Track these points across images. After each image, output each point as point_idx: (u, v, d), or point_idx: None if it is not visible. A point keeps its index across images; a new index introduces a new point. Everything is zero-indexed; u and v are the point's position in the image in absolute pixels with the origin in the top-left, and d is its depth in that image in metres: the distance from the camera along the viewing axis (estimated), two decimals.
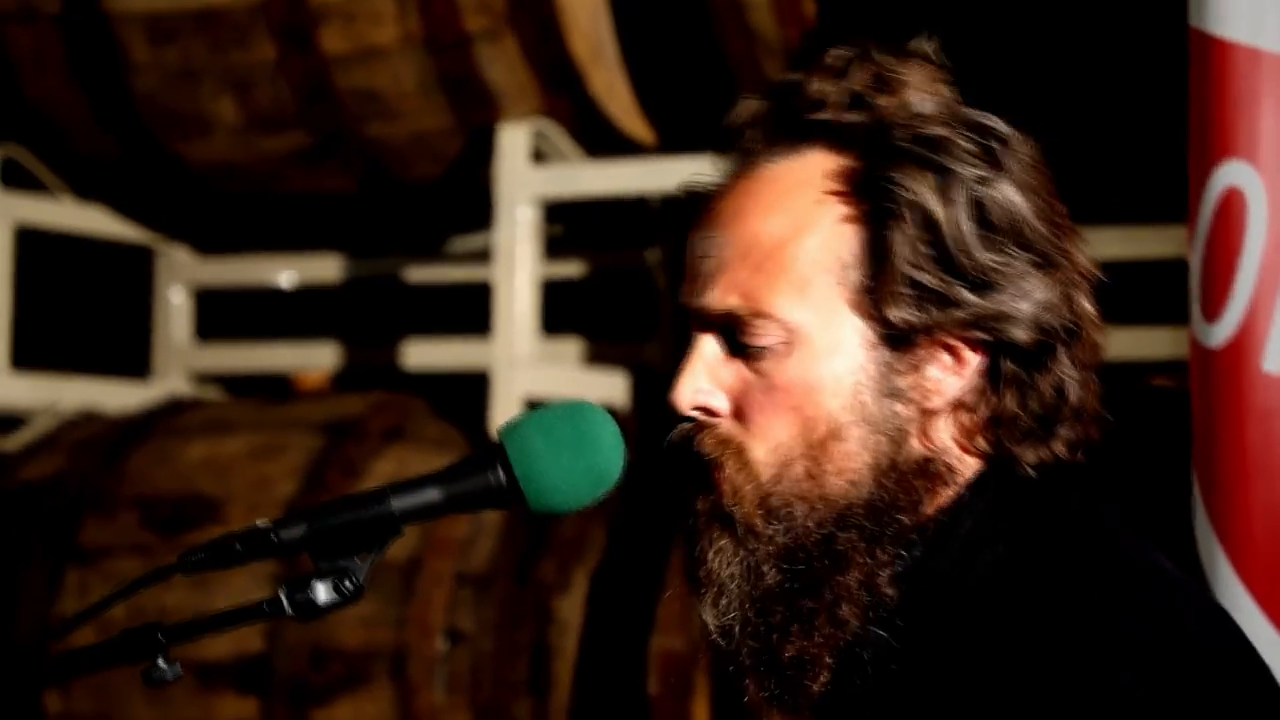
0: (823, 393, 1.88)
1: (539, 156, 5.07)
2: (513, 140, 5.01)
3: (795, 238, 1.89)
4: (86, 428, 5.51)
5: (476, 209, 5.19)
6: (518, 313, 5.00)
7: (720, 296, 1.91)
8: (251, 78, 5.23)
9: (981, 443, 1.91)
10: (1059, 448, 1.91)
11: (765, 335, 1.89)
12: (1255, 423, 2.89)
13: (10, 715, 5.02)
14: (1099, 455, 1.98)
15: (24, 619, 5.05)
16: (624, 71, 5.12)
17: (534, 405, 1.95)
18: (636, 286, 5.38)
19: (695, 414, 1.92)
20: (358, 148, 5.27)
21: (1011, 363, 1.89)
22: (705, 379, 1.92)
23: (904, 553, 1.87)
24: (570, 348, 5.36)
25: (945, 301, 1.86)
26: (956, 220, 1.86)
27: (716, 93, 4.72)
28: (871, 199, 1.88)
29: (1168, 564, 1.87)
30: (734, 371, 1.92)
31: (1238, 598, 2.88)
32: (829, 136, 1.92)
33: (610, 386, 5.18)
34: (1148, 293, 4.08)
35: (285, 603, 1.87)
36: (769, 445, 1.89)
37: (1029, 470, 1.91)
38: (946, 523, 1.89)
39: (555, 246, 5.31)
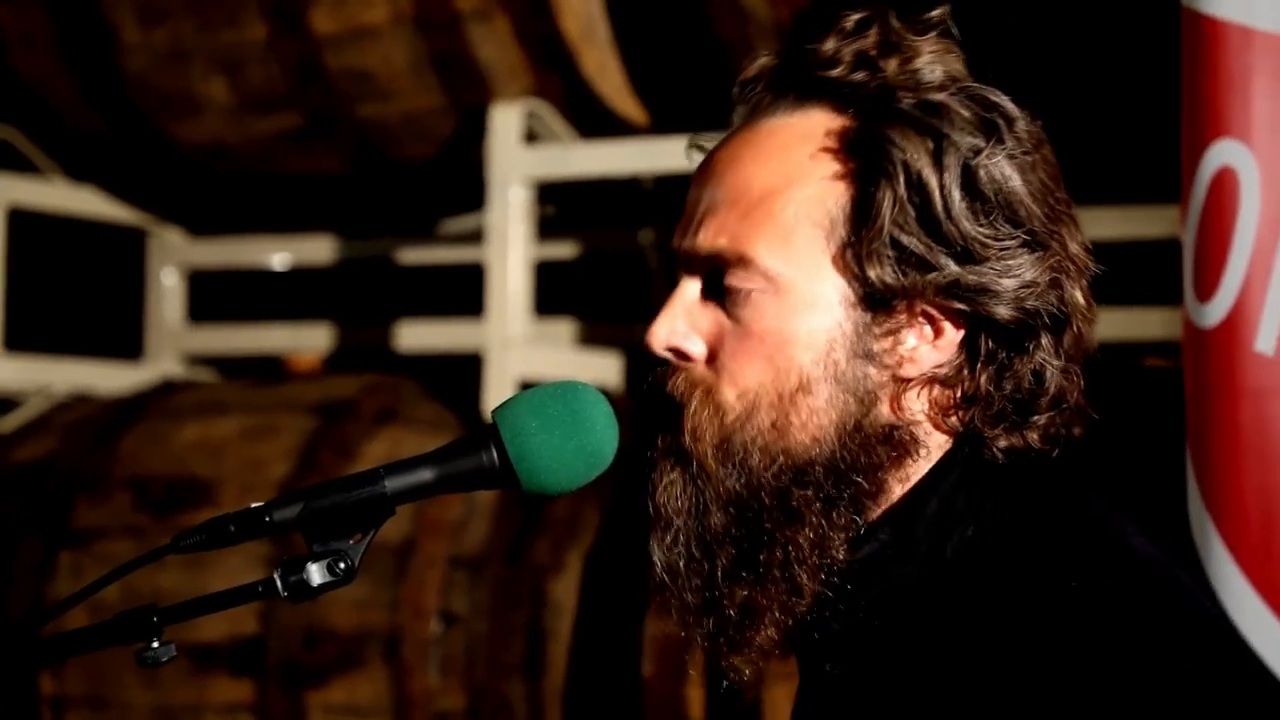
0: (796, 345, 1.87)
1: (531, 137, 5.07)
2: (505, 120, 5.01)
3: (786, 188, 1.89)
4: (79, 410, 5.51)
5: (469, 190, 5.19)
6: (511, 294, 5.00)
7: (707, 238, 1.91)
8: (242, 58, 5.22)
9: (954, 420, 1.89)
10: (1033, 436, 1.90)
11: (746, 280, 1.89)
12: (1248, 402, 2.89)
13: (4, 698, 5.02)
14: (1092, 436, 1.97)
15: (17, 601, 5.04)
16: (616, 51, 5.12)
17: (527, 386, 1.95)
18: (629, 267, 5.38)
19: (668, 355, 1.92)
20: (349, 128, 5.26)
21: (990, 340, 1.88)
22: (682, 322, 1.93)
23: (858, 519, 1.87)
24: (563, 329, 5.35)
25: (927, 267, 1.86)
26: (947, 187, 1.85)
27: (708, 73, 4.72)
28: (864, 157, 1.88)
29: (1148, 546, 1.85)
30: (712, 317, 1.92)
31: (1231, 577, 2.89)
32: (833, 95, 1.92)
33: (604, 367, 5.18)
34: (1141, 273, 4.08)
35: (279, 584, 1.87)
36: (738, 390, 1.88)
37: (998, 454, 1.89)
38: (912, 504, 1.88)
39: (548, 227, 5.31)
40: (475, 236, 5.30)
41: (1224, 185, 2.91)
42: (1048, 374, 1.89)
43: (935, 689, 1.78)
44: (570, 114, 5.12)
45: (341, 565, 1.88)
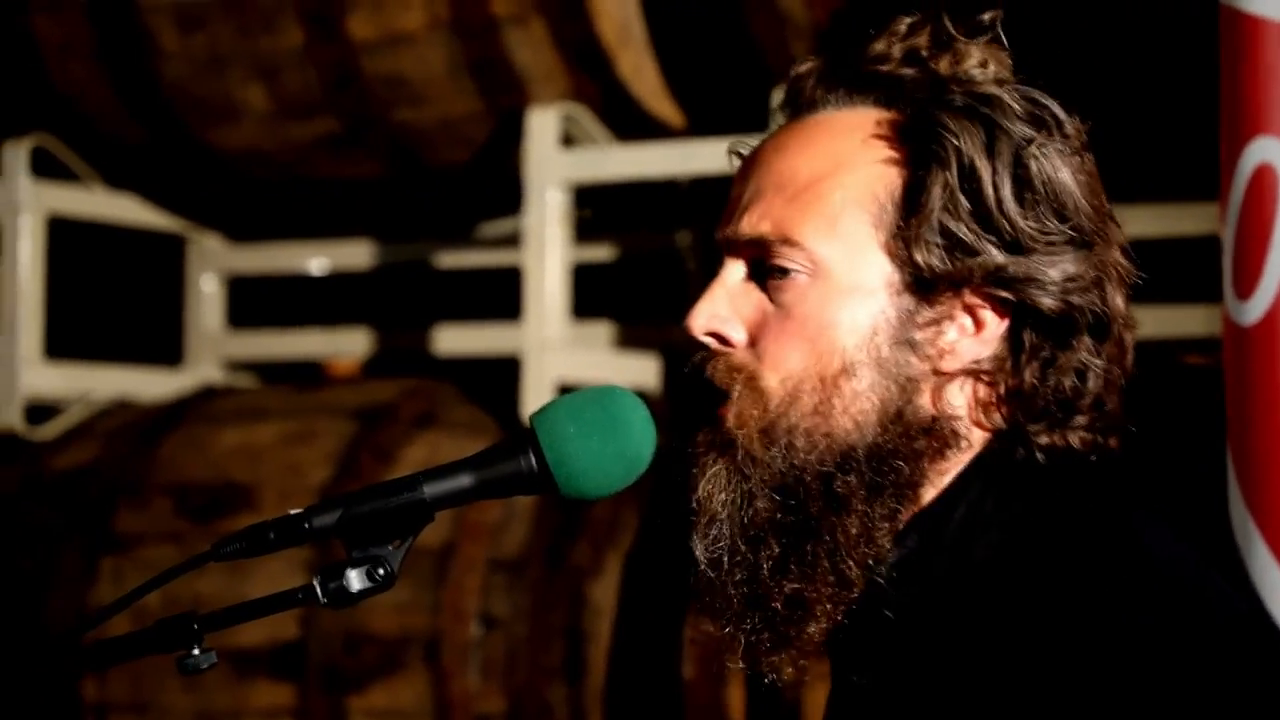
0: (839, 329, 1.86)
1: (568, 140, 5.07)
2: (541, 124, 5.01)
3: (833, 174, 1.89)
4: (119, 416, 5.52)
5: (506, 193, 5.19)
6: (548, 297, 5.00)
7: (752, 224, 1.90)
8: (279, 64, 5.24)
9: (996, 417, 1.88)
10: (1074, 439, 1.89)
11: (791, 263, 1.88)
12: None
13: (47, 704, 5.04)
14: (1133, 435, 1.96)
15: (59, 607, 5.06)
16: (652, 54, 5.12)
17: (565, 389, 1.95)
18: (666, 269, 5.37)
19: (709, 340, 1.91)
20: (386, 133, 5.27)
21: (1035, 333, 1.87)
22: (724, 306, 1.91)
23: (901, 510, 1.85)
24: (601, 331, 5.35)
25: (975, 255, 1.85)
26: (999, 177, 1.85)
27: (745, 75, 4.72)
28: (916, 143, 1.87)
29: (1179, 549, 1.83)
30: (754, 302, 1.91)
31: (1274, 578, 2.87)
32: (883, 90, 1.92)
33: (641, 370, 5.18)
34: (1181, 270, 4.07)
35: (319, 591, 1.87)
36: (780, 375, 1.87)
37: (1040, 454, 1.88)
38: (940, 509, 1.87)
39: (585, 230, 5.31)
40: (513, 240, 5.30)
41: (1263, 182, 2.90)
42: (1090, 373, 1.88)
43: (959, 700, 1.76)
44: (606, 117, 5.12)
45: (381, 571, 1.88)
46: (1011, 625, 1.76)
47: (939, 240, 1.85)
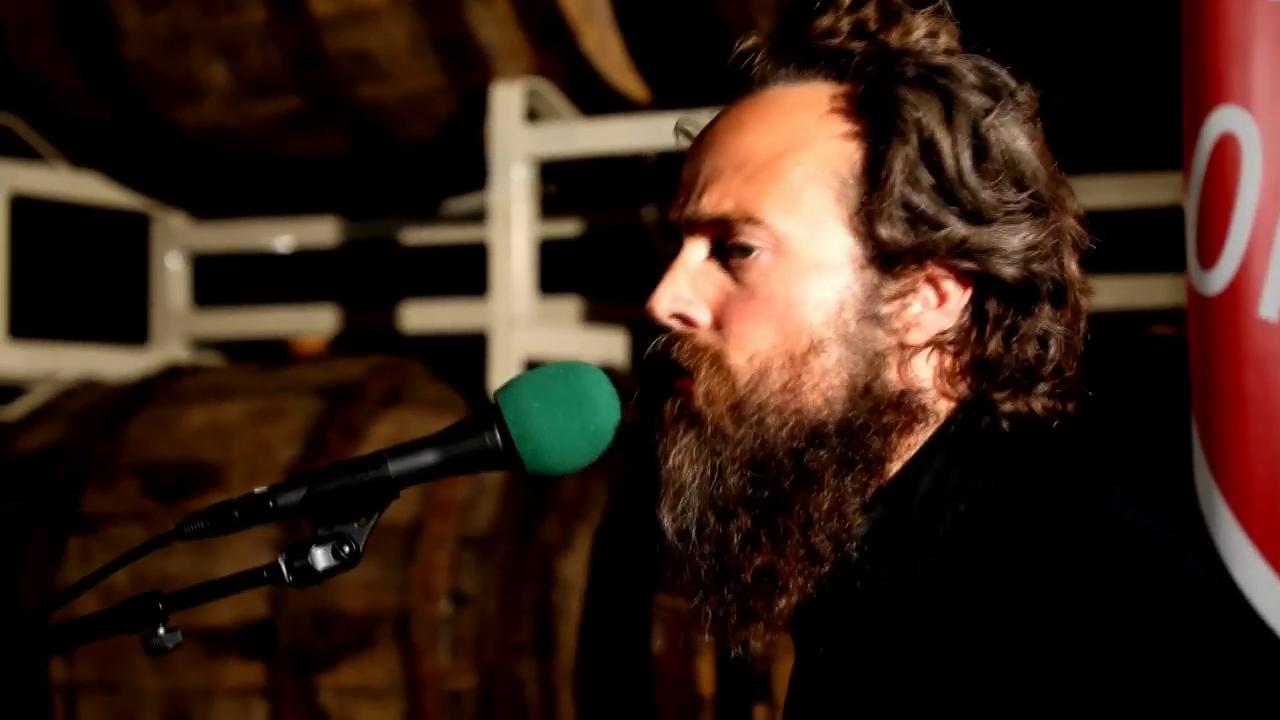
0: (805, 306, 1.86)
1: (533, 115, 5.06)
2: (506, 99, 5.00)
3: (792, 150, 1.88)
4: (85, 396, 5.51)
5: (471, 169, 5.18)
6: (515, 273, 5.00)
7: (713, 203, 1.90)
8: (242, 42, 5.22)
9: (961, 387, 1.89)
10: (1037, 405, 1.89)
11: (754, 240, 1.87)
12: (1253, 369, 2.88)
13: (15, 684, 5.03)
14: (1098, 404, 1.96)
15: (27, 588, 5.05)
16: (616, 28, 5.11)
17: (533, 365, 1.95)
18: (633, 245, 5.37)
19: (673, 323, 1.90)
20: (350, 110, 5.26)
21: (998, 303, 1.87)
22: (686, 288, 1.91)
23: (872, 485, 1.85)
24: (568, 307, 5.35)
25: (937, 227, 1.85)
26: (959, 148, 1.85)
27: (710, 48, 4.71)
28: (874, 117, 1.87)
29: (1142, 518, 1.83)
30: (716, 283, 1.90)
31: (1237, 543, 2.88)
32: (833, 65, 1.91)
33: (608, 345, 5.18)
34: (1145, 241, 4.07)
35: (284, 569, 1.87)
36: (747, 354, 1.87)
37: (1004, 422, 1.88)
38: (905, 481, 1.87)
39: (551, 206, 5.30)
40: (478, 216, 5.30)
41: (1226, 151, 2.90)
42: (1051, 339, 1.89)
43: (922, 671, 1.77)
44: (572, 92, 5.11)
45: (346, 549, 1.88)
46: (974, 599, 1.76)
47: (901, 214, 1.85)
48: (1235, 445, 2.89)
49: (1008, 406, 1.89)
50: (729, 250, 1.89)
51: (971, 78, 1.87)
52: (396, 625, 4.73)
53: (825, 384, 1.85)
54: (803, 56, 1.93)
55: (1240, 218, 2.89)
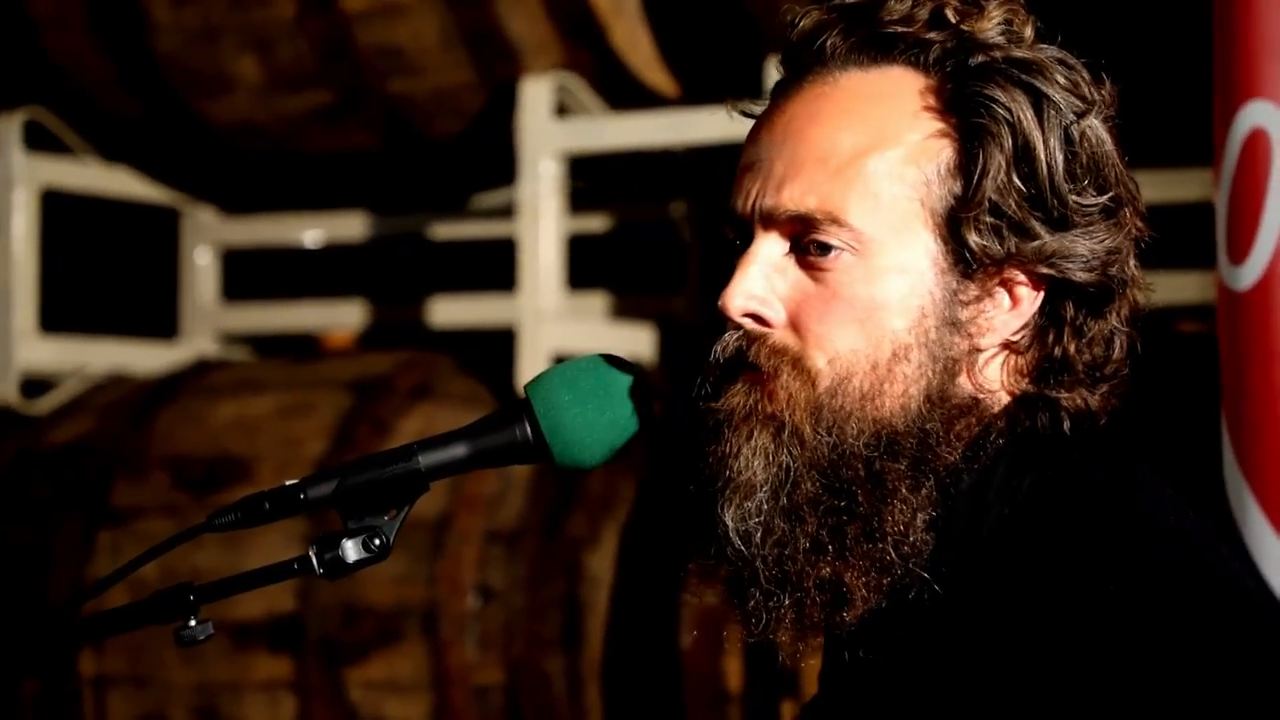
0: (888, 310, 1.81)
1: (562, 110, 5.06)
2: (535, 94, 5.00)
3: (878, 148, 1.83)
4: (115, 390, 5.52)
5: (500, 164, 5.18)
6: (543, 268, 5.00)
7: (793, 198, 1.83)
8: (272, 36, 5.23)
9: (1025, 384, 1.85)
10: (1095, 401, 1.86)
11: (837, 239, 1.81)
12: None
13: (46, 677, 5.05)
14: (1128, 402, 1.95)
15: (58, 580, 5.07)
16: (645, 22, 5.11)
17: (560, 360, 1.94)
18: (662, 239, 5.37)
19: (746, 321, 1.85)
20: (380, 104, 5.26)
21: (1072, 306, 1.84)
22: (761, 285, 1.84)
23: (938, 498, 1.80)
24: (596, 302, 5.35)
25: (1024, 233, 1.81)
26: (1051, 152, 1.80)
27: (739, 43, 4.71)
28: (965, 115, 1.82)
29: (1185, 520, 1.81)
30: (792, 280, 1.84)
31: (1267, 541, 2.87)
32: (913, 54, 1.85)
33: (637, 340, 5.17)
34: (1175, 237, 4.06)
35: (314, 561, 1.88)
36: (828, 356, 1.81)
37: (1064, 416, 1.85)
38: (951, 480, 1.82)
39: (580, 201, 5.30)
40: (507, 211, 5.30)
41: (1256, 146, 2.89)
42: (1116, 340, 1.87)
43: (959, 671, 1.74)
44: (600, 87, 5.11)
45: (376, 541, 1.88)
46: (1012, 601, 1.73)
47: (990, 219, 1.80)
48: (1265, 442, 2.88)
49: (1070, 405, 1.86)
50: (807, 247, 1.83)
51: (1060, 74, 1.83)
52: (424, 619, 4.74)
53: (904, 391, 1.81)
54: (880, 42, 1.85)
55: (1271, 213, 2.88)
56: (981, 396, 1.85)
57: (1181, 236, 3.99)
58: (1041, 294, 1.85)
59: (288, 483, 1.90)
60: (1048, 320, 1.86)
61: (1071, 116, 1.82)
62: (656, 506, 4.58)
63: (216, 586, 1.88)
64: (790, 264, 1.85)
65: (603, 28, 5.01)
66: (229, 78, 5.34)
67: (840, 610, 1.81)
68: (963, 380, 1.84)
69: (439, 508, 4.75)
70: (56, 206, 5.73)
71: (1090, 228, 1.83)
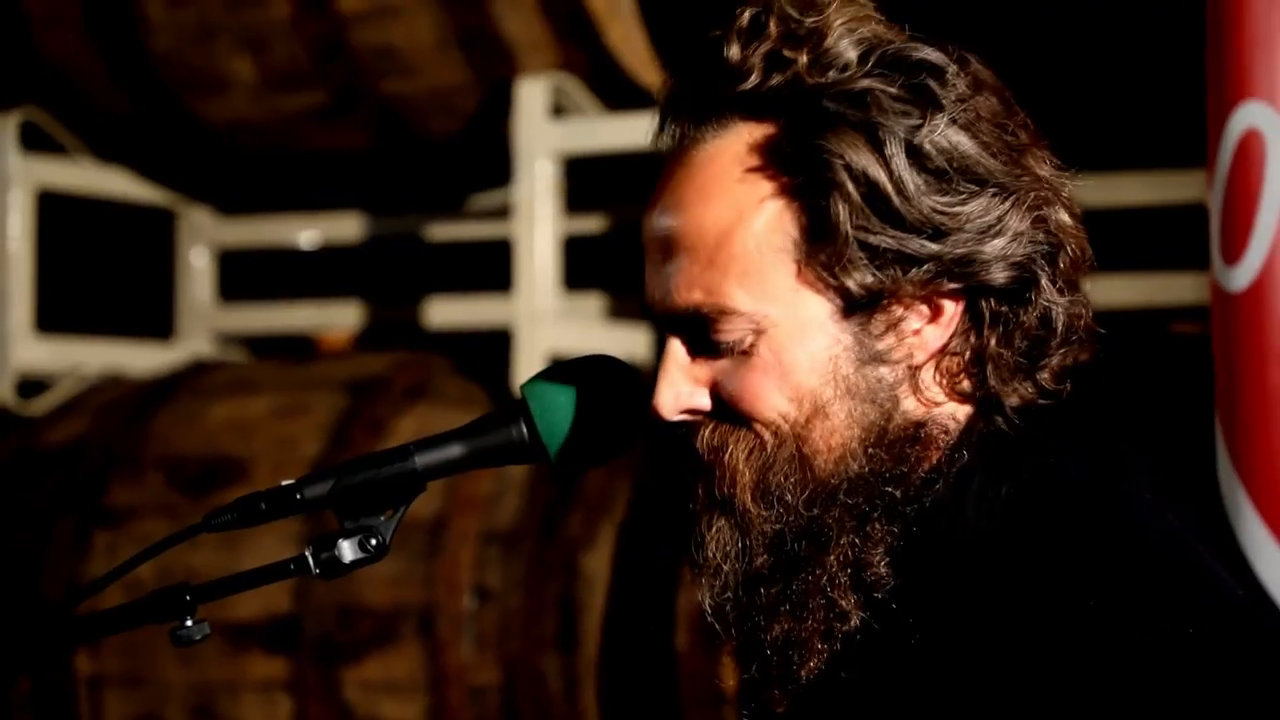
0: (799, 372, 1.84)
1: (557, 111, 5.06)
2: (530, 95, 5.01)
3: (739, 224, 1.85)
4: (111, 390, 5.52)
5: (496, 165, 5.19)
6: (539, 268, 5.00)
7: (680, 296, 1.87)
8: (267, 35, 5.23)
9: (966, 385, 1.86)
10: (1045, 377, 1.86)
11: (733, 330, 1.85)
12: (1276, 365, 2.88)
13: (42, 677, 5.05)
14: (1121, 401, 1.96)
15: (53, 580, 5.07)
16: (640, 23, 5.11)
17: (557, 361, 1.95)
18: None
19: (682, 418, 1.89)
20: (375, 104, 5.26)
21: (992, 301, 1.85)
22: (684, 382, 1.88)
23: (896, 529, 1.83)
24: (592, 303, 5.35)
25: (905, 258, 1.82)
26: (896, 174, 1.80)
27: None
28: (804, 171, 1.83)
29: (1181, 528, 1.82)
30: (710, 367, 1.88)
31: (1262, 541, 2.88)
32: (752, 107, 1.86)
33: (633, 341, 5.18)
34: (1170, 238, 4.07)
35: (311, 561, 1.88)
36: (762, 421, 1.85)
37: (1011, 415, 1.86)
38: (925, 493, 1.84)
39: (575, 201, 5.30)
40: (503, 212, 5.30)
41: (1250, 148, 2.90)
42: (1054, 314, 1.86)
43: (939, 682, 1.76)
44: (596, 87, 5.11)
45: (373, 541, 1.88)
46: (993, 610, 1.75)
47: (862, 256, 1.82)
48: (1260, 443, 2.89)
49: (1014, 400, 1.86)
50: (713, 342, 1.87)
51: (892, 91, 1.82)
52: (421, 620, 4.74)
53: (837, 443, 1.84)
54: (720, 104, 1.87)
55: (1265, 214, 2.88)
56: (932, 412, 1.86)
57: (1176, 238, 4.00)
58: (963, 300, 1.85)
59: (284, 483, 1.90)
60: (975, 319, 1.86)
61: (912, 134, 1.81)
62: (653, 507, 4.59)
63: (213, 586, 1.89)
64: (704, 356, 1.88)
65: (598, 28, 5.02)
66: (224, 77, 5.34)
67: (799, 664, 1.85)
68: (908, 405, 1.86)
69: (435, 508, 4.75)
70: (52, 207, 5.73)
71: (983, 219, 1.83)
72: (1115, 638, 1.71)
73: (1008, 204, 1.84)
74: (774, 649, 1.85)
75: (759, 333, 1.84)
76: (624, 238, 5.52)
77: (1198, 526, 1.86)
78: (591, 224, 5.46)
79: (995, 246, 1.83)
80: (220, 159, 5.71)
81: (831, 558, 1.83)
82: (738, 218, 1.85)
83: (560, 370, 1.93)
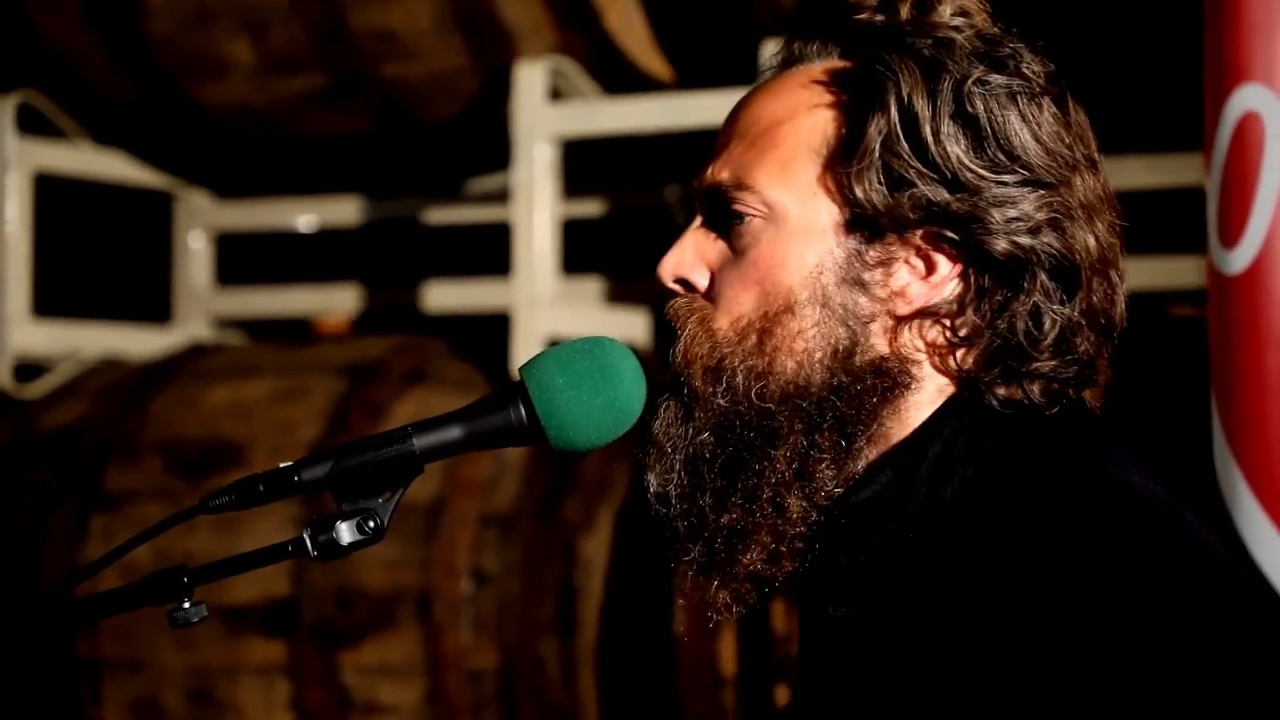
0: (785, 269, 1.89)
1: (556, 94, 5.06)
2: (530, 78, 5.00)
3: (789, 119, 1.93)
4: (109, 374, 5.52)
5: (495, 148, 5.18)
6: (538, 252, 5.00)
7: (714, 172, 1.95)
8: (267, 18, 5.23)
9: (952, 363, 1.89)
10: (1034, 388, 1.88)
11: (745, 205, 1.92)
12: (1274, 349, 2.88)
13: (39, 660, 5.05)
14: (1118, 385, 1.96)
15: (51, 565, 5.07)
16: (640, 7, 5.11)
17: (555, 344, 1.95)
18: (656, 225, 5.37)
19: (676, 287, 1.95)
20: (374, 88, 5.26)
21: (986, 276, 1.87)
22: (691, 253, 1.96)
23: (844, 444, 1.87)
24: (591, 287, 5.35)
25: (916, 194, 1.86)
26: (938, 111, 1.86)
27: (734, 28, 4.71)
28: (859, 85, 1.90)
29: (1149, 485, 1.83)
30: (718, 249, 1.94)
31: (1258, 523, 2.88)
32: (848, 38, 1.95)
33: (631, 325, 5.18)
34: (1168, 221, 4.07)
35: (309, 543, 1.88)
36: (731, 317, 1.91)
37: (996, 402, 1.87)
38: (914, 446, 1.87)
39: (574, 185, 5.30)
40: (502, 195, 5.30)
41: (1248, 131, 2.90)
42: (1046, 318, 1.87)
43: (934, 632, 1.77)
44: (595, 71, 5.11)
45: (371, 524, 1.88)
46: (977, 566, 1.76)
47: (878, 178, 1.87)
48: (1256, 426, 2.89)
49: (1000, 391, 1.88)
50: (727, 217, 1.94)
51: (968, 46, 1.89)
52: (418, 604, 4.74)
53: (799, 346, 1.88)
54: (827, 34, 1.97)
55: (1263, 197, 2.89)
56: (897, 359, 1.89)
57: (1174, 221, 4.00)
58: (959, 266, 1.88)
59: (282, 465, 1.90)
60: (966, 290, 1.88)
61: (968, 86, 1.87)
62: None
63: (210, 569, 1.88)
64: (718, 235, 1.95)
65: (597, 11, 5.01)
66: (223, 61, 5.33)
67: (740, 554, 1.88)
68: (876, 342, 1.89)
69: (433, 492, 4.75)
70: (50, 190, 5.73)
71: (1000, 192, 1.86)
72: (1099, 598, 1.71)
73: (1031, 193, 1.87)
74: (720, 536, 1.89)
75: (767, 218, 1.91)
76: (623, 221, 5.52)
77: (1185, 500, 1.87)
78: (590, 208, 5.46)
79: (1003, 217, 1.86)
80: (218, 142, 5.70)
81: (779, 454, 1.87)
82: (790, 114, 1.93)
83: (559, 352, 1.93)
